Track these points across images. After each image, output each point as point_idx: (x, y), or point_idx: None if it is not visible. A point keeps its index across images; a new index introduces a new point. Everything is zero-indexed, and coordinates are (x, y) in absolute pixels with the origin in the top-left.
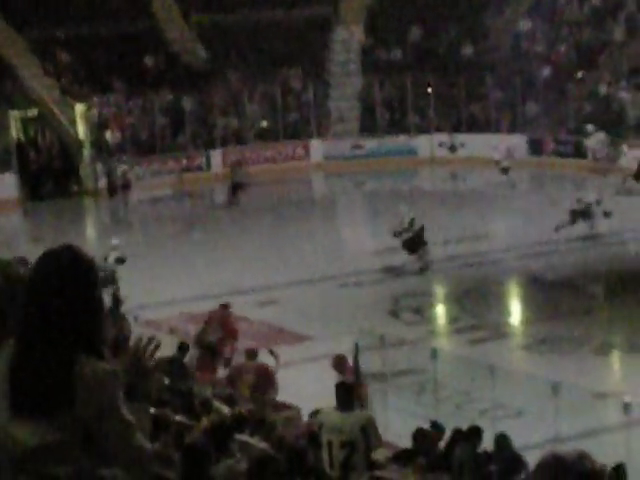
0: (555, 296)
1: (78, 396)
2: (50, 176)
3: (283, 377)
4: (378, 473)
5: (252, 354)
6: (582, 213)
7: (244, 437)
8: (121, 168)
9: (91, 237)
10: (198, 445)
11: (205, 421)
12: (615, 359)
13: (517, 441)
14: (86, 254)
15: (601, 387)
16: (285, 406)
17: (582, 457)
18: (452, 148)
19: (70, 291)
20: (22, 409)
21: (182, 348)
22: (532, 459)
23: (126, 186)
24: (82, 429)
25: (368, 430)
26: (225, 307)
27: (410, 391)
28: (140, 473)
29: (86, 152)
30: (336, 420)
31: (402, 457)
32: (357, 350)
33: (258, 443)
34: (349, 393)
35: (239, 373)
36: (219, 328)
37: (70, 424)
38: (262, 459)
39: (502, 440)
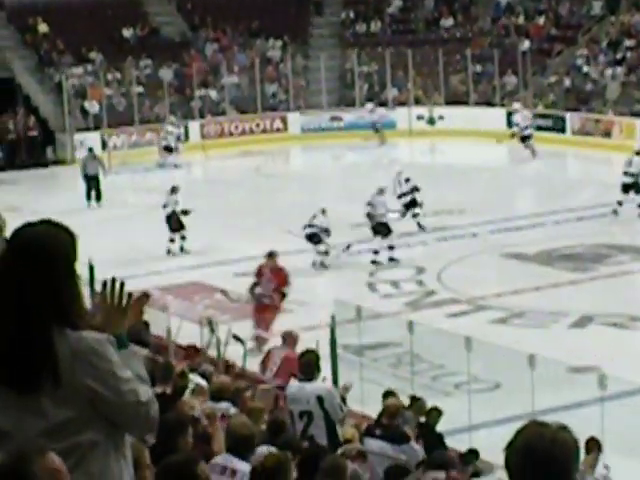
0: (532, 270)
1: (77, 368)
2: (27, 145)
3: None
4: (349, 447)
5: (291, 340)
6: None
7: (224, 406)
8: (167, 129)
9: (67, 206)
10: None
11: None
12: (592, 333)
13: (494, 414)
14: (64, 227)
15: (577, 361)
16: (261, 380)
17: (562, 428)
18: (431, 121)
19: (47, 266)
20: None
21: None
22: (509, 432)
23: (167, 148)
24: (87, 401)
25: (325, 401)
26: (272, 256)
27: (386, 364)
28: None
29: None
30: (295, 390)
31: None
32: (333, 322)
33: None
34: (310, 363)
35: (268, 359)
36: (270, 280)
37: (74, 398)
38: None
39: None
